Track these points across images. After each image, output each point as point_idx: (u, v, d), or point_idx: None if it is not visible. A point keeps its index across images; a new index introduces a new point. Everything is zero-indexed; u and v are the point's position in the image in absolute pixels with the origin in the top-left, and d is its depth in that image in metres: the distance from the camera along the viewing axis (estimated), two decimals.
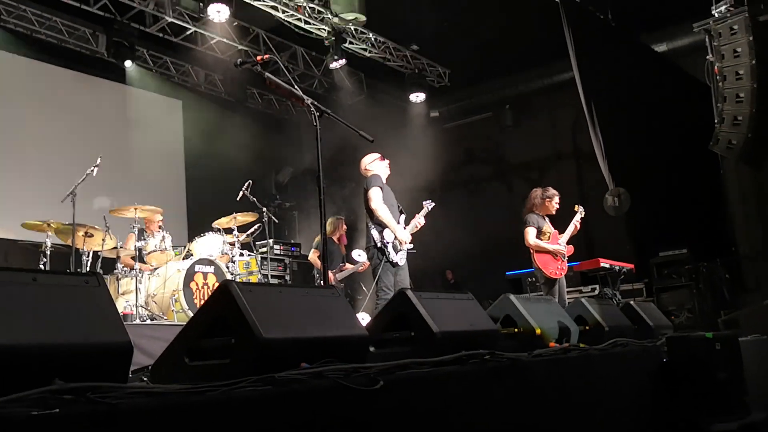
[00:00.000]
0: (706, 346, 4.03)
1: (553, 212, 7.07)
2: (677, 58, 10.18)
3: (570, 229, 6.98)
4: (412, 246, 6.05)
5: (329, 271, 7.89)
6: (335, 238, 8.43)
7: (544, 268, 6.84)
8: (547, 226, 6.98)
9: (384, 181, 6.07)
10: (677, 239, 9.08)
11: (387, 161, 6.22)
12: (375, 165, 6.16)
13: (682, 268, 8.89)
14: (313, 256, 8.51)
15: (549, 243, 6.87)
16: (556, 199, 7.08)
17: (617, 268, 8.56)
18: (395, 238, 5.85)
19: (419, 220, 6.20)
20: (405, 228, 6.02)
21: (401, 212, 6.09)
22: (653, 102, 9.11)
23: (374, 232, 5.88)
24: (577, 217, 7.03)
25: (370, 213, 5.95)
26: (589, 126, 9.00)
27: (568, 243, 6.99)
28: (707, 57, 7.45)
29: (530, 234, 6.88)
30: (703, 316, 8.34)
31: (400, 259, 5.90)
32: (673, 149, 8.96)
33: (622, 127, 9.23)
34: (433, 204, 6.37)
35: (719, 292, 8.44)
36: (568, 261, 7.09)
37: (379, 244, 5.84)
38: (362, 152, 6.27)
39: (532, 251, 6.91)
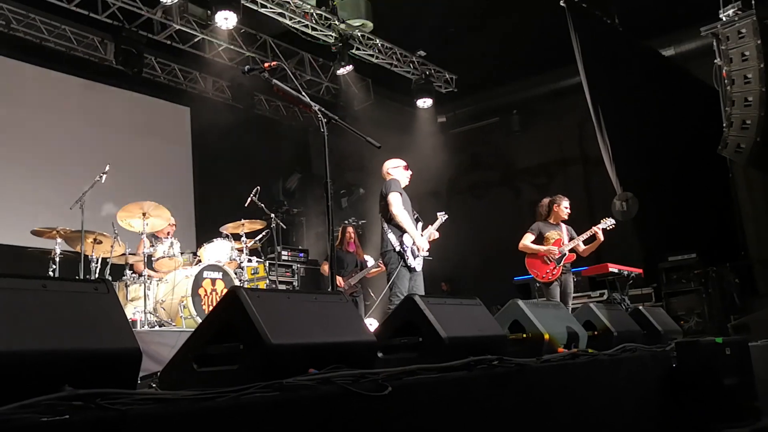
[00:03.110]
0: (716, 352, 4.02)
1: (565, 217, 7.14)
2: (685, 62, 10.15)
3: (581, 237, 6.99)
4: (428, 254, 6.07)
5: (341, 277, 7.92)
6: (344, 247, 8.40)
7: (531, 269, 7.05)
8: (554, 233, 7.04)
9: (402, 188, 6.09)
10: (686, 244, 9.04)
11: (410, 172, 6.25)
12: (397, 171, 6.18)
13: (691, 272, 8.85)
14: (325, 268, 8.46)
15: (549, 247, 6.93)
16: (565, 204, 7.14)
17: (626, 272, 8.54)
18: (414, 243, 5.86)
19: (432, 232, 6.21)
20: (421, 235, 6.04)
21: (417, 220, 6.10)
22: (661, 106, 9.08)
23: (392, 236, 5.87)
24: (599, 227, 7.00)
25: (388, 217, 5.95)
26: (596, 131, 8.98)
27: (591, 253, 7.07)
28: (715, 61, 7.42)
29: (524, 239, 7.09)
30: (713, 321, 8.30)
31: (417, 264, 5.91)
32: (682, 153, 8.93)
33: (630, 131, 9.20)
34: (447, 216, 6.39)
35: (729, 296, 8.40)
36: (575, 266, 7.13)
37: (398, 248, 5.83)
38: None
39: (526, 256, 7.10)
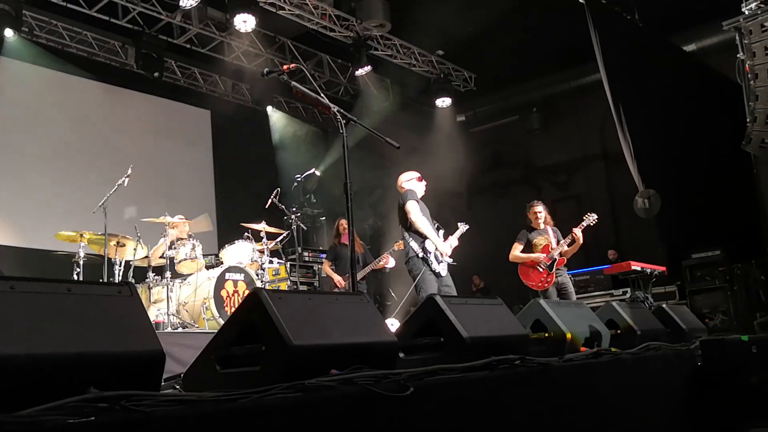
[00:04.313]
0: (742, 350, 3.97)
1: (539, 225, 7.03)
2: (707, 57, 10.03)
3: (566, 241, 6.86)
4: (452, 260, 6.09)
5: (341, 276, 7.88)
6: (341, 241, 8.27)
7: (525, 280, 6.95)
8: (541, 239, 6.98)
9: (419, 198, 6.13)
10: (710, 240, 8.94)
11: (424, 182, 6.28)
12: (412, 183, 6.23)
13: (715, 269, 8.75)
14: (326, 267, 8.31)
15: (538, 254, 6.88)
16: (536, 209, 7.07)
17: (649, 270, 8.44)
18: (436, 248, 5.89)
19: (453, 241, 6.22)
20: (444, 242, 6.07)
21: (438, 228, 6.12)
22: (683, 102, 8.98)
23: (414, 244, 5.93)
24: (583, 224, 6.89)
25: (407, 226, 6.00)
26: (617, 127, 8.90)
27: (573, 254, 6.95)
28: (738, 55, 7.32)
29: (513, 249, 7.04)
30: (738, 318, 8.20)
31: (442, 269, 5.94)
32: (704, 149, 8.82)
33: (652, 127, 9.11)
34: (467, 227, 6.39)
35: (754, 293, 8.30)
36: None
37: (420, 254, 5.87)
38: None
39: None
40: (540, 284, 6.84)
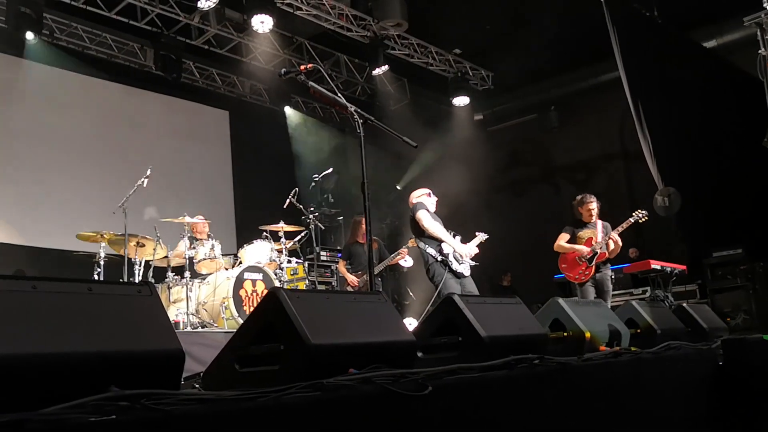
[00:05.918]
0: (764, 349, 3.92)
1: (591, 219, 6.94)
2: (727, 53, 9.92)
3: (616, 232, 6.77)
4: (473, 262, 6.09)
5: (354, 273, 7.88)
6: (357, 240, 8.27)
7: (564, 271, 6.95)
8: (587, 232, 6.91)
9: (430, 210, 6.15)
10: (731, 239, 8.84)
11: (435, 198, 6.30)
12: (422, 198, 6.27)
13: (737, 268, 8.65)
14: (341, 266, 8.32)
15: (582, 246, 6.82)
16: (591, 205, 6.95)
17: (669, 269, 8.37)
18: (455, 250, 5.89)
19: (472, 248, 6.21)
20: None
21: (454, 236, 6.12)
22: (703, 99, 8.89)
23: (430, 250, 5.94)
24: (630, 220, 6.82)
25: (421, 234, 6.01)
26: (636, 125, 8.84)
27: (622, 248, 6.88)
28: (759, 51, 7.24)
29: (558, 239, 6.99)
30: (761, 317, 8.11)
31: (464, 269, 5.94)
32: (725, 146, 8.73)
33: (671, 125, 9.03)
34: (486, 236, 6.38)
35: None
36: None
37: (439, 258, 5.88)
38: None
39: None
40: (578, 277, 6.81)
